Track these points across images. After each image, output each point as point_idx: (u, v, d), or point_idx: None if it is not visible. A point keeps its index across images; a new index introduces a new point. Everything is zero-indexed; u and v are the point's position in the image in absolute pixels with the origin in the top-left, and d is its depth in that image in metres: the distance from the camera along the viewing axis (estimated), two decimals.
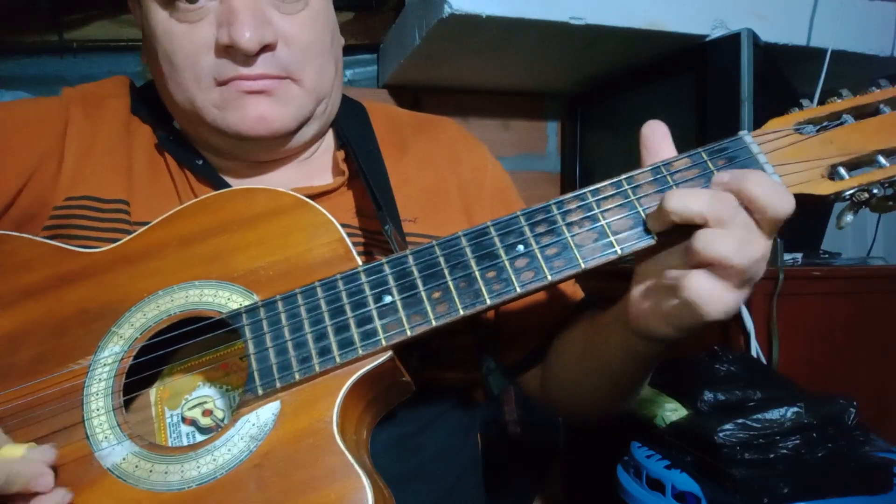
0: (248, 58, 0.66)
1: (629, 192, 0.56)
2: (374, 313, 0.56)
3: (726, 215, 0.50)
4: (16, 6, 1.56)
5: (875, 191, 0.56)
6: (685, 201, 0.51)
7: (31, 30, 1.59)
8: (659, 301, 0.55)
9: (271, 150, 0.74)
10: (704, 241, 0.50)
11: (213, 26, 0.66)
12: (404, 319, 0.55)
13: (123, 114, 0.77)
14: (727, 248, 0.49)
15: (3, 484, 0.50)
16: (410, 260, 0.57)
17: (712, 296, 0.50)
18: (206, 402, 0.63)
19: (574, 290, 0.82)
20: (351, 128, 0.79)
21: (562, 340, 0.77)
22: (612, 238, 0.55)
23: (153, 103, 0.78)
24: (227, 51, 0.66)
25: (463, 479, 0.79)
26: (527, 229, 0.56)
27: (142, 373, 0.60)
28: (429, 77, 1.66)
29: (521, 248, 0.56)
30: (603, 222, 0.56)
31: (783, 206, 0.51)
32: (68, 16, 1.60)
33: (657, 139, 0.58)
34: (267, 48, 0.67)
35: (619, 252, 0.55)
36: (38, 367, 0.59)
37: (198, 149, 0.76)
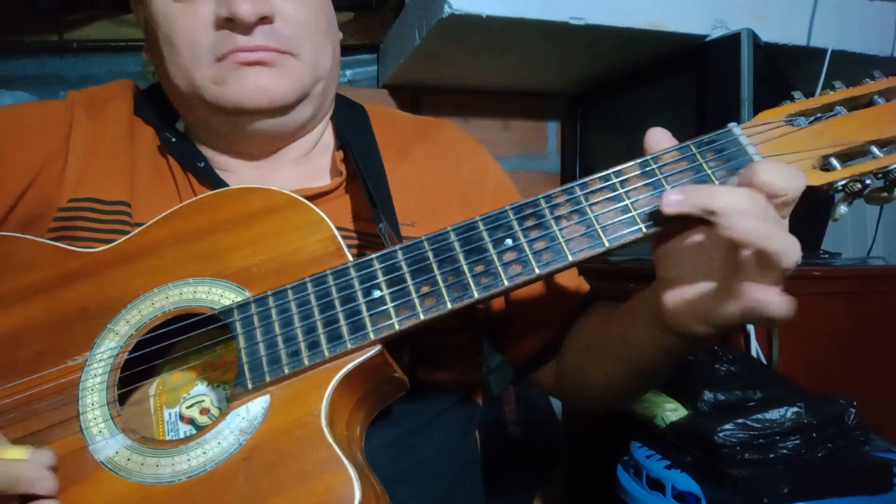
0: (246, 29, 0.67)
1: (617, 185, 0.56)
2: (363, 307, 0.56)
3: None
4: (16, 6, 1.56)
5: (868, 181, 0.55)
6: (721, 196, 0.51)
7: (31, 30, 1.59)
8: (698, 303, 0.55)
9: (266, 129, 0.73)
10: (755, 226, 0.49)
11: (210, 4, 0.68)
12: (392, 313, 0.55)
13: (127, 116, 0.77)
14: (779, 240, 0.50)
15: (9, 484, 0.50)
16: (399, 255, 0.58)
17: (773, 300, 0.51)
18: (203, 401, 0.63)
19: (580, 284, 0.82)
20: (350, 128, 0.79)
21: (576, 333, 0.77)
22: (599, 231, 0.55)
23: (157, 105, 0.78)
24: (227, 24, 0.67)
25: (461, 480, 0.79)
26: (515, 223, 0.56)
27: (138, 368, 0.61)
28: (429, 77, 1.66)
29: (509, 241, 0.56)
30: (591, 215, 0.56)
31: (799, 182, 0.52)
32: (68, 16, 1.61)
33: (659, 143, 0.57)
34: (265, 20, 0.68)
35: (607, 245, 0.55)
36: (37, 363, 0.60)
37: (200, 149, 0.77)
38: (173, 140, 0.76)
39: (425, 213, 0.77)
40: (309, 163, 0.80)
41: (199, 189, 0.74)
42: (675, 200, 0.52)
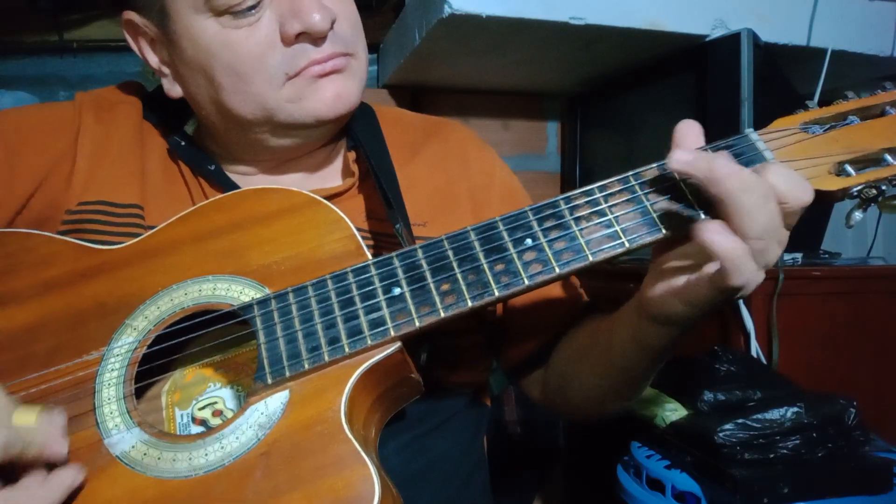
0: (317, 40, 0.67)
1: (636, 187, 0.57)
2: (384, 304, 0.56)
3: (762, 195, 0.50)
4: (16, 6, 1.56)
5: (883, 188, 0.56)
6: (732, 171, 0.51)
7: (31, 30, 1.59)
8: (673, 278, 0.56)
9: (328, 133, 0.74)
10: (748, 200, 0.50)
11: (272, 22, 0.66)
12: (413, 310, 0.56)
13: (136, 119, 0.77)
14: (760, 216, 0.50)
15: (21, 450, 0.50)
16: (419, 253, 0.58)
17: (740, 260, 0.50)
18: (216, 403, 0.64)
19: (579, 294, 0.82)
20: (361, 129, 0.79)
21: (567, 339, 0.77)
22: (619, 231, 0.55)
23: (164, 109, 0.78)
24: (298, 39, 0.66)
25: (471, 480, 0.79)
26: (535, 223, 0.57)
27: (155, 364, 0.61)
28: (429, 77, 1.66)
29: (529, 241, 0.56)
30: (611, 216, 0.56)
31: (804, 195, 0.52)
32: (68, 16, 1.60)
33: (691, 139, 0.57)
34: (332, 26, 0.68)
35: (627, 245, 0.55)
36: (53, 357, 0.60)
37: (211, 156, 0.76)
38: (182, 144, 0.75)
39: (436, 213, 0.78)
40: (321, 165, 0.80)
41: (210, 192, 0.74)
42: (684, 160, 0.52)
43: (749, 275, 0.51)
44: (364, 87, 0.73)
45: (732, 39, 1.27)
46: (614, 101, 1.64)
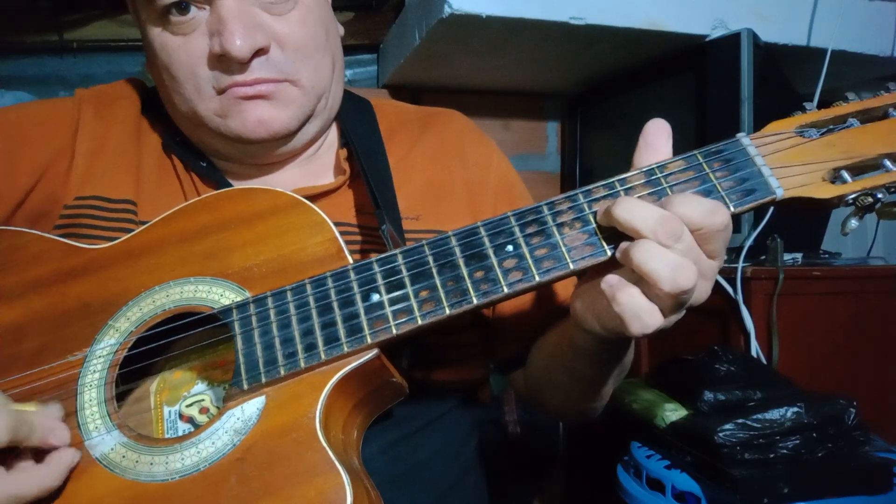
0: (242, 65, 0.66)
1: (622, 193, 0.55)
2: (361, 311, 0.56)
3: (668, 234, 0.49)
4: (16, 6, 1.56)
5: (879, 195, 0.54)
6: (632, 212, 0.50)
7: (31, 30, 1.59)
8: (595, 296, 0.55)
9: (274, 151, 0.74)
10: (642, 255, 0.49)
11: (205, 36, 0.66)
12: (390, 317, 0.55)
13: (134, 115, 0.77)
14: (661, 268, 0.48)
15: (25, 434, 0.50)
16: (400, 259, 0.57)
17: (638, 314, 0.50)
18: (203, 400, 0.63)
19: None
20: (355, 125, 0.79)
21: (542, 339, 0.77)
22: (601, 240, 0.54)
23: (162, 106, 0.78)
24: (221, 59, 0.66)
25: (463, 481, 0.78)
26: (517, 230, 0.56)
27: (137, 365, 0.61)
28: (429, 77, 1.66)
29: (510, 248, 0.55)
30: (594, 224, 0.55)
31: (718, 218, 0.50)
32: (68, 16, 1.61)
33: (658, 136, 0.56)
34: (260, 52, 0.66)
35: (609, 254, 0.54)
36: (38, 357, 0.60)
37: (204, 152, 0.76)
38: (177, 140, 0.76)
39: (430, 206, 0.77)
40: (312, 162, 0.79)
41: (202, 188, 0.74)
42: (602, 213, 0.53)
43: (649, 319, 0.50)
44: (307, 115, 0.72)
45: (732, 39, 1.28)
46: (614, 101, 1.64)
